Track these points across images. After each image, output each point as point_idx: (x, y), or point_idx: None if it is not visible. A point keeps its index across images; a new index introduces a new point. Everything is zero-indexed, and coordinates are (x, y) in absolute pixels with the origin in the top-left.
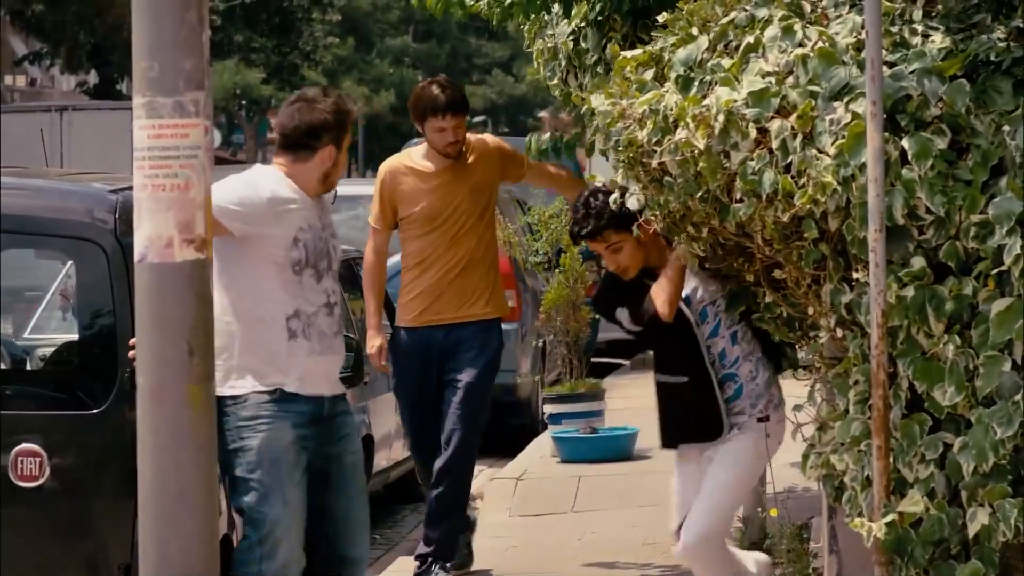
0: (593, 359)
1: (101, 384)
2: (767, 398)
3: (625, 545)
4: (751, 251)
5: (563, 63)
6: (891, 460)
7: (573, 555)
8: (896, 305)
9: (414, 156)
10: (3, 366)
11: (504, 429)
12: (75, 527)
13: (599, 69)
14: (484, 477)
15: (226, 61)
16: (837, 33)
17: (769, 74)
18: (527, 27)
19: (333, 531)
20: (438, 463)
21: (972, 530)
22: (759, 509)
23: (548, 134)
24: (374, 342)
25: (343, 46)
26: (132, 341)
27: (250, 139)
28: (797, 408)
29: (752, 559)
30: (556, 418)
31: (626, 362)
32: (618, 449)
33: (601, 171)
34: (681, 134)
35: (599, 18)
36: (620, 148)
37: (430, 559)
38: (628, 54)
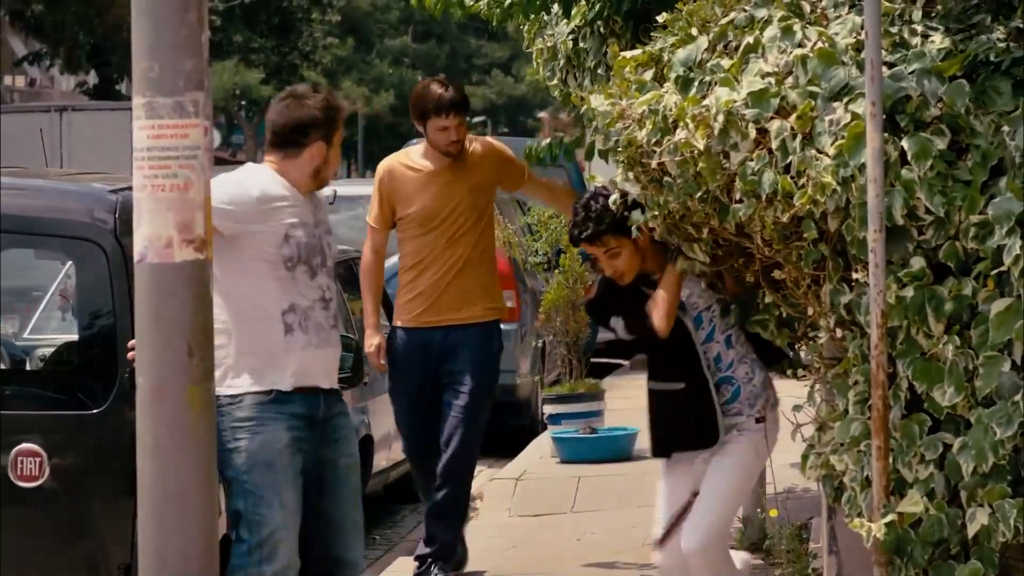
0: (592, 359)
1: (101, 384)
2: (764, 398)
3: (625, 545)
4: (751, 252)
5: (563, 63)
6: (890, 460)
7: (573, 555)
8: (895, 305)
9: (413, 155)
10: (3, 366)
11: (504, 429)
12: (75, 527)
13: (599, 72)
14: (484, 477)
15: (226, 61)
16: (836, 33)
17: (769, 74)
18: (527, 27)
19: (327, 534)
20: (440, 465)
21: (971, 530)
22: (759, 510)
23: (547, 140)
24: (372, 341)
25: (343, 46)
26: (131, 343)
27: (249, 139)
28: (797, 408)
29: (739, 559)
30: (556, 418)
31: (626, 362)
32: (618, 449)
33: (600, 172)
34: (681, 134)
35: (598, 20)
36: (619, 148)
37: (430, 560)
38: (628, 54)
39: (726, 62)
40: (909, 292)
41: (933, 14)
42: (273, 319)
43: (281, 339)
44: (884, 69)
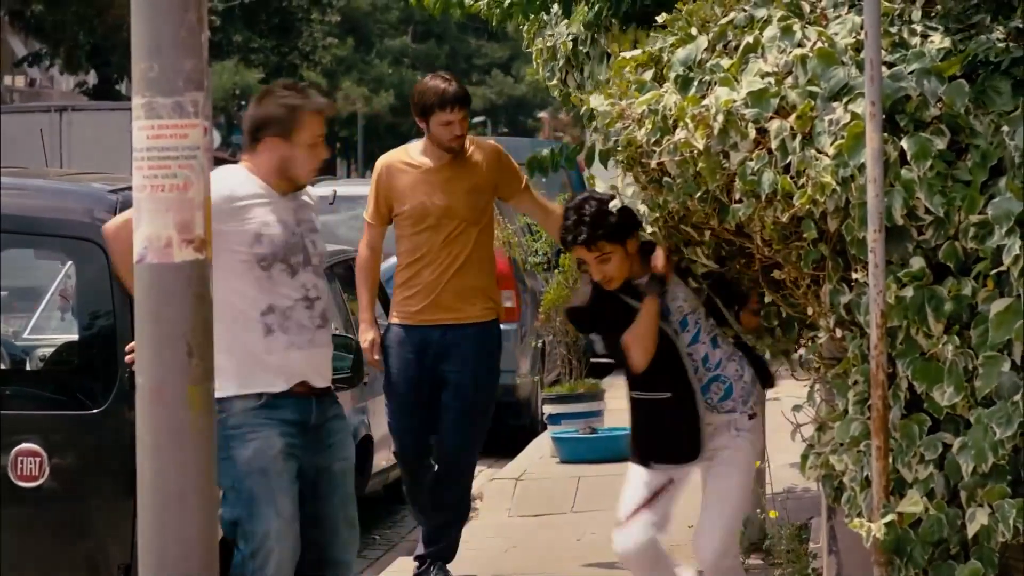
0: (592, 359)
1: (101, 384)
2: (755, 395)
3: None
4: (751, 252)
5: (562, 63)
6: (890, 460)
7: (573, 555)
8: (895, 305)
9: (411, 152)
10: (3, 366)
11: (504, 429)
12: (75, 527)
13: (600, 77)
14: (484, 477)
15: (225, 61)
16: (836, 33)
17: (768, 74)
18: (526, 27)
19: (321, 537)
20: (441, 465)
21: (971, 530)
22: (758, 510)
23: (549, 149)
24: (367, 336)
25: (342, 46)
26: (130, 346)
27: None
28: (796, 408)
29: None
30: (555, 418)
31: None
32: (617, 449)
33: (599, 175)
34: (680, 134)
35: (596, 24)
36: (619, 148)
37: (429, 560)
38: (627, 54)
39: (726, 62)
40: (909, 292)
41: (933, 14)
42: (252, 320)
43: (261, 341)
44: (884, 69)
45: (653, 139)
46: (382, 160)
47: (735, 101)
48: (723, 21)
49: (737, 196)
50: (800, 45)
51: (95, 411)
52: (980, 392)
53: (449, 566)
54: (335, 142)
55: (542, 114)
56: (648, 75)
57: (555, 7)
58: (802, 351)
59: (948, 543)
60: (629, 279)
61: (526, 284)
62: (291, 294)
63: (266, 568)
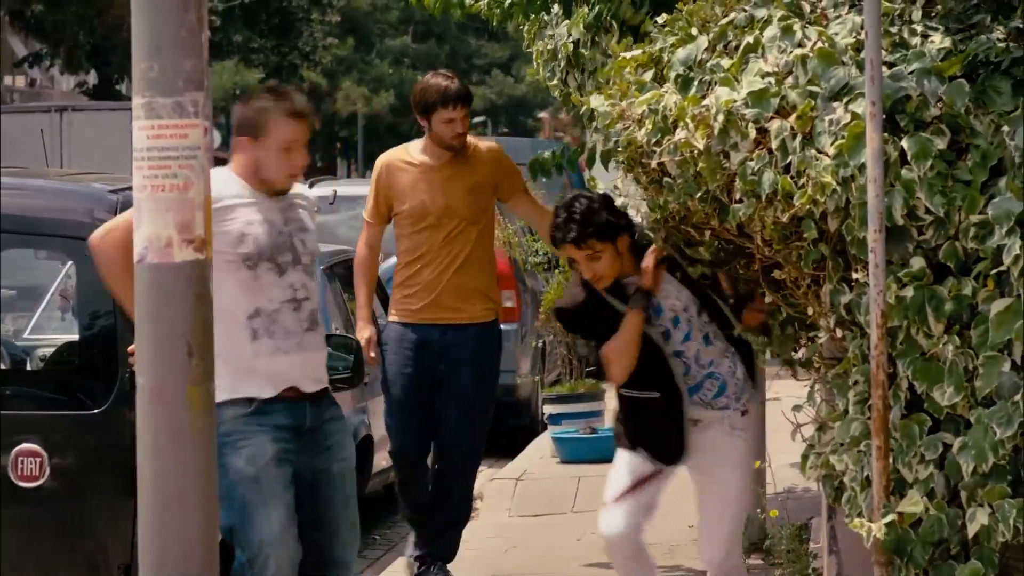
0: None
1: (101, 384)
2: (748, 392)
3: None
4: (751, 252)
5: (563, 64)
6: (890, 460)
7: (573, 555)
8: (895, 305)
9: (411, 151)
10: (3, 366)
11: (504, 429)
12: (75, 527)
13: (600, 80)
14: (484, 477)
15: (225, 61)
16: (836, 33)
17: (768, 74)
18: (527, 27)
19: (323, 538)
20: (443, 466)
21: (971, 530)
22: (759, 510)
23: (551, 151)
24: (364, 333)
25: (343, 46)
26: (131, 348)
27: None
28: (797, 408)
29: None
30: (556, 418)
31: None
32: None
33: (600, 177)
34: (680, 134)
35: (597, 24)
36: (619, 149)
37: (430, 560)
38: (628, 55)
39: (726, 62)
40: (909, 292)
41: (933, 14)
42: (239, 324)
43: (248, 345)
44: (884, 69)
45: (653, 139)
46: (382, 159)
47: (735, 101)
48: (723, 21)
49: (737, 196)
50: (800, 45)
51: (95, 411)
52: (980, 392)
53: (449, 566)
54: (335, 142)
55: (542, 114)
56: (648, 75)
57: (555, 7)
58: (802, 351)
59: (948, 543)
60: (619, 279)
61: (526, 284)
62: (278, 295)
63: (265, 574)
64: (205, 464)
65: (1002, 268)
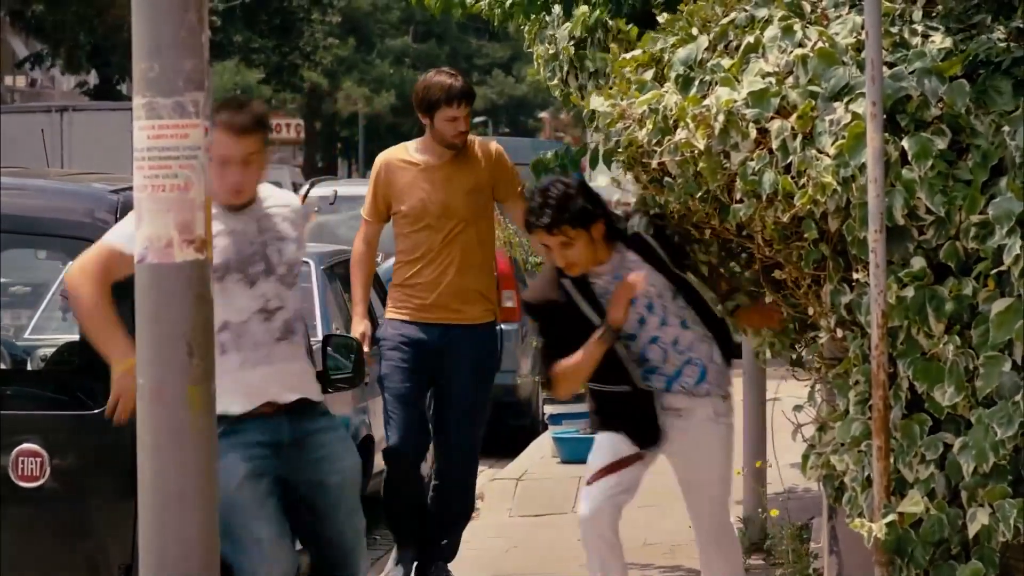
0: None
1: (101, 384)
2: (727, 377)
3: (625, 545)
4: (751, 252)
5: (564, 64)
6: (891, 460)
7: (574, 555)
8: (896, 305)
9: (411, 150)
10: (4, 366)
11: (504, 429)
12: (75, 527)
13: (601, 82)
14: (485, 477)
15: (226, 62)
16: (837, 33)
17: (769, 74)
18: (527, 28)
19: (326, 551)
20: (442, 467)
21: (972, 530)
22: (760, 509)
23: (554, 151)
24: (358, 328)
25: (343, 46)
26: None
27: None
28: (798, 408)
29: None
30: (556, 419)
31: None
32: None
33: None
34: (681, 134)
35: (598, 27)
36: (620, 149)
37: (431, 560)
38: (628, 55)
39: (726, 62)
40: (910, 292)
41: (933, 14)
42: None
43: (216, 361)
44: (884, 69)
45: (654, 139)
46: (381, 157)
47: (736, 101)
48: (724, 21)
49: (738, 196)
50: (801, 45)
51: (96, 411)
52: (981, 392)
53: (450, 566)
54: (336, 142)
55: (543, 114)
56: (649, 75)
57: (556, 8)
58: (803, 351)
59: (949, 543)
60: (586, 276)
61: (527, 284)
62: (247, 306)
63: None
64: (205, 464)
65: (1003, 268)
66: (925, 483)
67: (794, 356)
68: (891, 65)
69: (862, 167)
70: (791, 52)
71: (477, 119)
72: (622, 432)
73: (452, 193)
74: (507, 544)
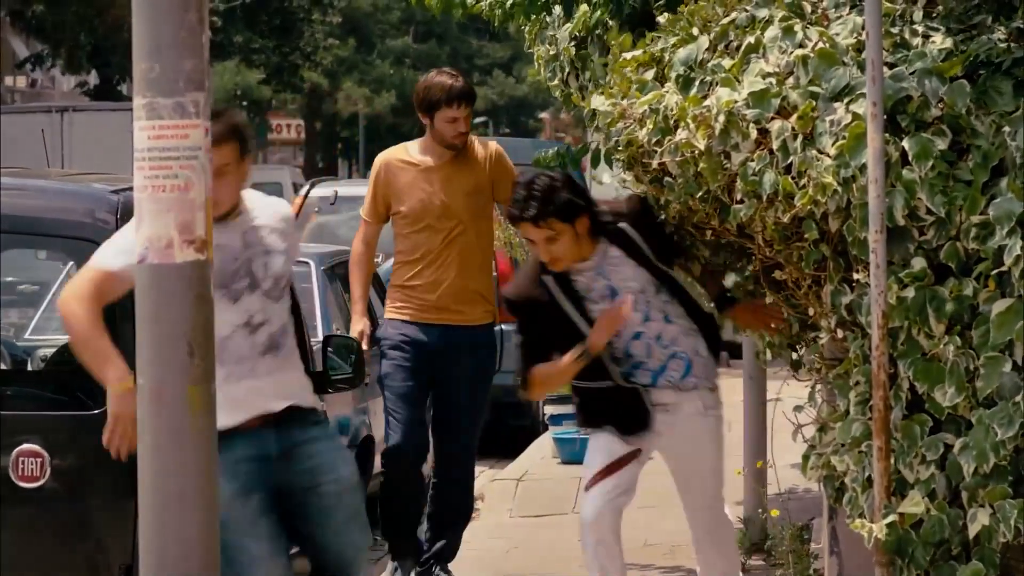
0: None
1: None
2: (713, 369)
3: (625, 546)
4: (751, 252)
5: (564, 65)
6: (892, 461)
7: (574, 556)
8: (897, 306)
9: (411, 150)
10: (4, 366)
11: (505, 430)
12: (76, 528)
13: (602, 81)
14: (485, 478)
15: (226, 62)
16: (837, 34)
17: (769, 75)
18: (528, 28)
19: (325, 559)
20: (442, 467)
21: (973, 531)
22: (760, 510)
23: (555, 150)
24: (356, 327)
25: (344, 47)
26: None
27: (250, 140)
28: (798, 409)
29: None
30: (557, 419)
31: None
32: None
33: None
34: (681, 134)
35: (598, 27)
36: (620, 148)
37: (431, 560)
38: (628, 54)
39: (727, 62)
40: (910, 293)
41: (934, 14)
42: None
43: None
44: (885, 69)
45: (654, 139)
46: (381, 157)
47: (736, 101)
48: (724, 21)
49: (738, 196)
50: (801, 45)
51: (96, 411)
52: (981, 393)
53: (451, 566)
54: (336, 143)
55: (543, 115)
56: (649, 75)
57: (557, 8)
58: (803, 352)
59: (949, 544)
60: (567, 272)
61: None
62: (232, 320)
63: None
64: (205, 464)
65: (1003, 269)
66: (926, 484)
67: (794, 357)
68: (892, 66)
69: (863, 168)
70: (792, 52)
71: (478, 119)
72: (608, 426)
73: (452, 194)
74: (507, 545)
